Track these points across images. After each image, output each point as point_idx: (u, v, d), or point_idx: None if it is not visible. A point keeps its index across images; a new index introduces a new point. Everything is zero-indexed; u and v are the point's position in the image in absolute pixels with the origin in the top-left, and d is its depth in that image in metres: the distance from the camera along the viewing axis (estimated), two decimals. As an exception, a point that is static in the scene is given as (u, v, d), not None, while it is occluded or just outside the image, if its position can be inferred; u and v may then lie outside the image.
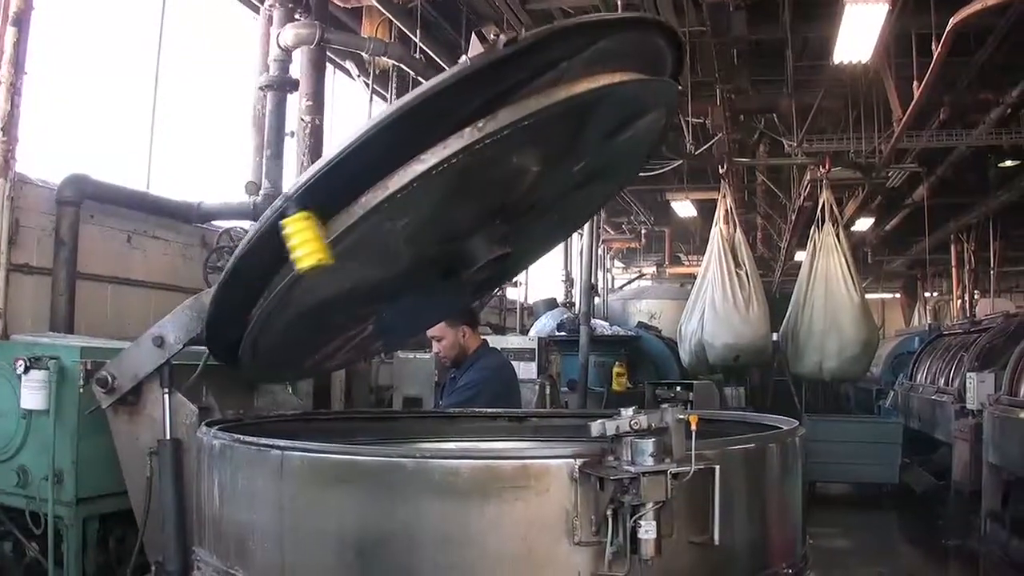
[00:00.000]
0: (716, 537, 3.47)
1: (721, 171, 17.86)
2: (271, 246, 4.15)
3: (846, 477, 16.28)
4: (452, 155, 3.68)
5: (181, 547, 4.88)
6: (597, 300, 20.26)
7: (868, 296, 18.14)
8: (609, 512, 3.30)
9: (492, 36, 3.58)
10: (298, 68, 11.06)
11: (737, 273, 16.64)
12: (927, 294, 37.67)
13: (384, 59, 13.62)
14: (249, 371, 5.14)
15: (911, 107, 13.87)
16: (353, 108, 15.00)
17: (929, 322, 28.42)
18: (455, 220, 4.70)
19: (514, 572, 3.41)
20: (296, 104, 11.03)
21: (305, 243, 7.60)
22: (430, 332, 7.33)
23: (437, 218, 4.49)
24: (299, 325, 4.82)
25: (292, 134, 10.98)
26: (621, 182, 5.71)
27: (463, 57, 3.62)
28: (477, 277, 5.07)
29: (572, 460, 3.39)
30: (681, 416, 3.31)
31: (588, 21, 4.21)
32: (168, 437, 5.05)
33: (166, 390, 5.08)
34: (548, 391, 12.59)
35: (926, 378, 18.64)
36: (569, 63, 3.89)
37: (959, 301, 29.87)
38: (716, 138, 17.20)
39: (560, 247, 23.22)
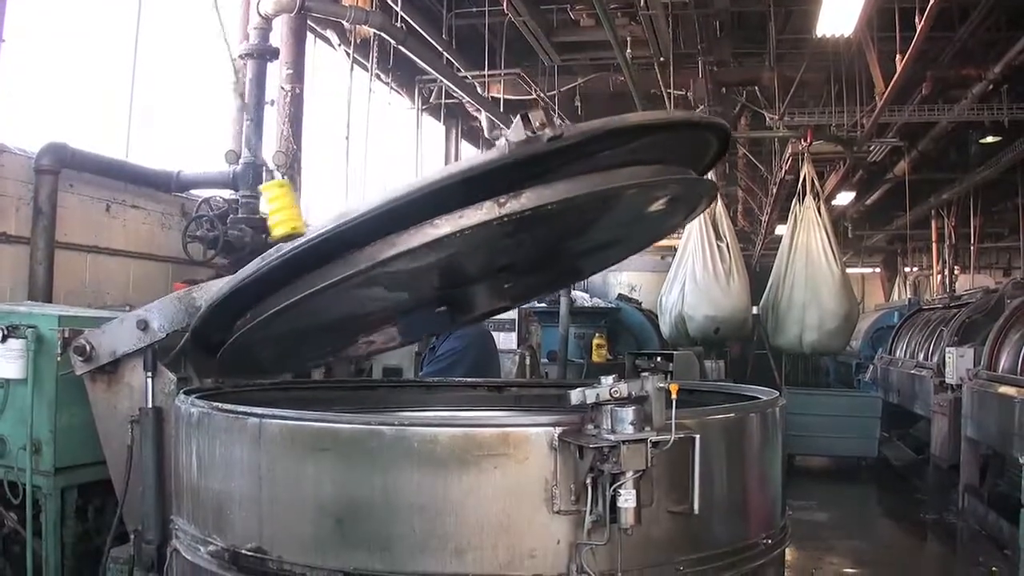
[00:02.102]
0: (696, 506, 3.47)
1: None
2: (270, 279, 4.09)
3: (825, 450, 16.32)
4: (466, 228, 3.65)
5: (160, 516, 4.87)
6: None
7: (848, 270, 18.14)
8: (589, 481, 3.31)
9: (537, 123, 3.48)
10: (278, 37, 10.98)
11: (718, 245, 16.65)
12: (907, 269, 37.77)
13: (365, 28, 13.56)
14: (227, 368, 5.10)
15: (893, 81, 13.86)
16: (334, 77, 14.92)
17: (909, 297, 28.50)
18: (459, 272, 4.71)
19: (493, 541, 3.40)
20: (277, 73, 10.95)
21: (281, 210, 7.56)
22: None
23: (440, 269, 4.49)
24: (286, 340, 4.84)
25: (272, 103, 10.92)
26: (635, 249, 5.69)
27: (503, 140, 3.55)
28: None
29: (552, 428, 3.38)
30: (661, 384, 3.30)
31: (640, 123, 4.08)
32: (150, 406, 5.03)
33: (149, 374, 5.05)
34: (528, 362, 12.60)
35: (905, 352, 18.69)
36: (610, 154, 3.86)
37: (939, 276, 29.97)
38: (698, 110, 17.17)
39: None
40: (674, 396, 3.32)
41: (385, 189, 3.94)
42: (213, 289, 4.95)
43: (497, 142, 3.61)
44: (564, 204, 3.70)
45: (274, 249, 3.98)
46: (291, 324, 4.49)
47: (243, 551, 3.74)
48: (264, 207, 8.75)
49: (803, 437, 15.02)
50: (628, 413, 3.25)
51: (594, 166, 3.82)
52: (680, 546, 3.65)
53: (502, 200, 3.60)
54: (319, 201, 14.09)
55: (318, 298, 4.04)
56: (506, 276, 5.01)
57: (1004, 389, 10.97)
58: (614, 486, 3.23)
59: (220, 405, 4.02)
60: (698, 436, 3.43)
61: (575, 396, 3.36)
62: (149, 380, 5.04)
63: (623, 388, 3.29)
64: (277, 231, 8.54)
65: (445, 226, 3.66)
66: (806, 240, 16.37)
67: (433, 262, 4.16)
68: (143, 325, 5.07)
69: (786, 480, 4.50)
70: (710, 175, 4.72)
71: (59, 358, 5.97)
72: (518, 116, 3.65)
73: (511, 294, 5.26)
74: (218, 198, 10.12)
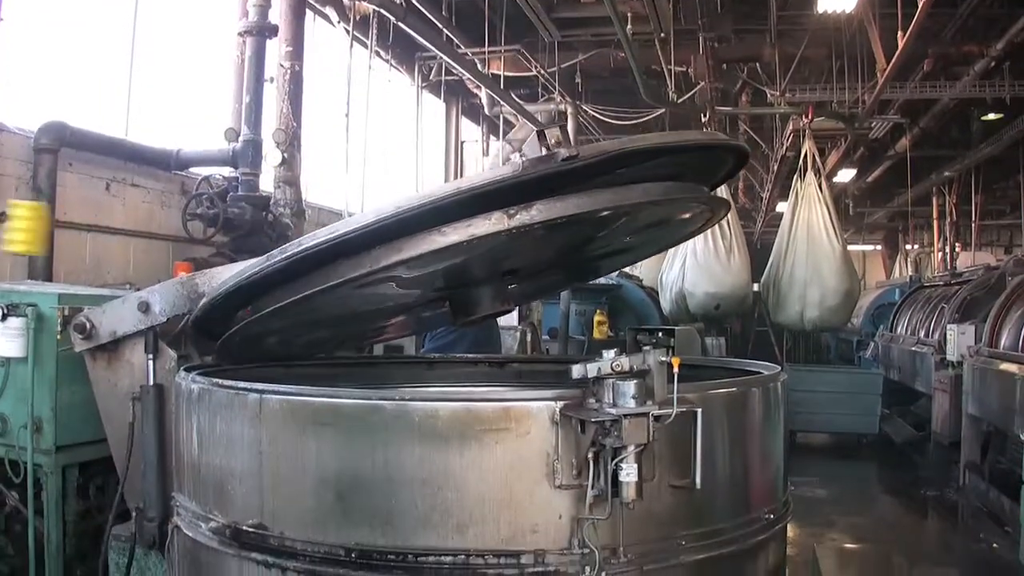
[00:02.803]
0: (698, 481, 3.47)
1: (703, 120, 17.79)
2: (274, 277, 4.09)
3: (826, 427, 16.32)
4: (473, 238, 3.64)
5: (161, 494, 4.87)
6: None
7: (849, 248, 18.12)
8: (590, 455, 3.30)
9: (552, 141, 3.47)
10: (277, 13, 10.94)
11: (719, 224, 16.62)
12: (908, 246, 37.73)
13: (365, 4, 13.52)
14: (228, 353, 5.09)
15: (895, 58, 13.80)
16: (333, 54, 14.87)
17: (910, 274, 28.52)
18: (465, 274, 4.70)
19: (494, 515, 3.40)
20: (276, 50, 10.91)
21: (25, 231, 7.61)
22: None
23: (446, 272, 4.48)
24: (289, 330, 4.85)
25: (271, 80, 10.88)
26: (645, 256, 5.69)
27: (517, 156, 3.53)
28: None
29: (553, 403, 3.38)
30: (663, 358, 3.29)
31: (656, 146, 4.08)
32: (151, 383, 5.02)
33: (150, 356, 5.05)
34: (529, 338, 12.58)
35: (907, 329, 18.69)
36: (625, 171, 3.85)
37: (940, 253, 29.98)
38: (698, 87, 17.13)
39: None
40: (676, 370, 3.31)
41: (395, 197, 3.91)
42: (216, 279, 4.95)
43: (512, 156, 3.60)
44: (576, 217, 3.70)
45: (279, 250, 3.97)
46: (293, 318, 4.49)
47: (244, 527, 3.74)
48: (11, 223, 8.48)
49: (804, 414, 15.05)
50: (630, 387, 3.24)
51: (608, 182, 3.81)
52: (682, 521, 3.65)
53: (512, 211, 3.59)
54: (318, 178, 14.08)
55: (320, 296, 4.05)
56: (512, 278, 5.01)
57: (1005, 366, 10.97)
58: (616, 460, 3.23)
59: (220, 381, 4.02)
60: (700, 410, 3.43)
61: (576, 370, 3.35)
62: (150, 362, 5.05)
63: (625, 362, 3.28)
64: (9, 248, 8.31)
65: (453, 234, 3.65)
66: (807, 217, 16.35)
67: (439, 267, 4.16)
68: (144, 307, 5.06)
69: (787, 456, 4.50)
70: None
71: (59, 336, 5.98)
72: (534, 132, 3.65)
73: (516, 295, 5.26)
74: (218, 176, 10.11)
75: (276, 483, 3.69)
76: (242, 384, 3.88)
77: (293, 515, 3.65)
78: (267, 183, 10.82)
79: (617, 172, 3.82)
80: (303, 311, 4.32)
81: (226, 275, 4.88)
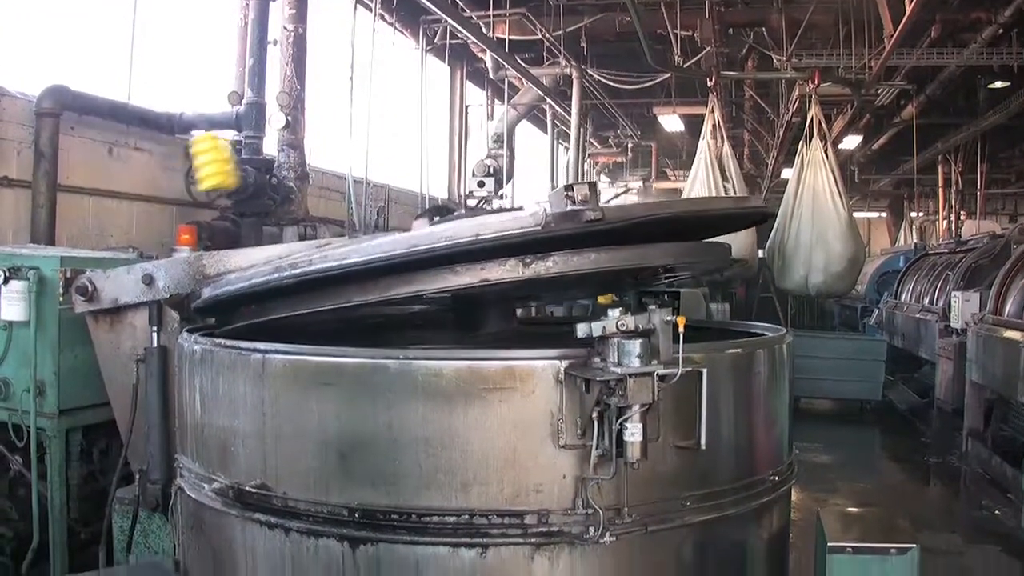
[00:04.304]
0: (703, 441, 3.47)
1: (709, 84, 17.69)
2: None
3: (830, 393, 16.31)
4: (486, 283, 3.65)
5: (165, 456, 4.88)
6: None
7: (854, 215, 18.04)
8: (595, 414, 3.30)
9: (580, 197, 3.44)
10: (281, -25, 10.88)
11: (724, 187, 16.54)
12: (913, 214, 37.66)
13: (369, -33, 13.44)
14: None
15: (902, 24, 13.69)
16: (337, 17, 14.80)
17: (915, 241, 28.43)
18: (475, 298, 4.71)
19: (498, 475, 3.41)
20: (279, 13, 10.86)
21: (211, 163, 7.63)
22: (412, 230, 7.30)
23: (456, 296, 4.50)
24: (290, 328, 4.84)
25: (275, 43, 10.84)
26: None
27: (542, 208, 3.51)
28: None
29: (558, 362, 3.39)
30: (668, 318, 3.28)
31: (685, 214, 4.13)
32: (155, 345, 5.02)
33: (154, 328, 5.04)
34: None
35: (911, 297, 18.70)
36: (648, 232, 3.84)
37: (945, 221, 29.89)
38: (704, 51, 17.04)
39: (546, 159, 23.11)
40: (681, 329, 3.30)
41: (410, 233, 3.93)
42: (224, 263, 4.98)
43: (535, 208, 3.57)
44: (592, 272, 3.70)
45: (289, 264, 3.98)
46: (294, 321, 4.47)
47: (247, 488, 3.75)
48: (196, 160, 8.66)
49: (808, 380, 15.04)
50: (635, 346, 3.23)
51: (629, 240, 3.79)
52: (686, 481, 3.66)
53: (528, 260, 3.60)
54: (322, 142, 14.04)
55: (324, 312, 4.07)
56: (519, 303, 5.03)
57: (1009, 333, 10.96)
58: (620, 420, 3.22)
59: (223, 342, 4.02)
60: (705, 370, 3.44)
61: (581, 329, 3.34)
62: (154, 333, 5.04)
63: (630, 321, 3.27)
64: (205, 183, 8.55)
65: (465, 275, 3.67)
66: (812, 182, 16.23)
67: (447, 297, 4.17)
68: (148, 280, 5.06)
69: (792, 420, 4.49)
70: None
71: (61, 300, 5.97)
72: (561, 186, 3.63)
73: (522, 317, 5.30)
74: (222, 139, 10.07)
75: (279, 443, 3.70)
76: (245, 344, 3.89)
77: (296, 475, 3.66)
78: (271, 147, 10.79)
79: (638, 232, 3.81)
80: (304, 319, 4.31)
81: (234, 261, 4.91)
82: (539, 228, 3.52)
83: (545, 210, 3.52)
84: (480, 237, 3.56)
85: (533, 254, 3.58)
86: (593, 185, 3.55)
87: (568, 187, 3.54)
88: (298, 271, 3.88)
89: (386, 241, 3.77)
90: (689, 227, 4.34)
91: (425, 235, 3.66)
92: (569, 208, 3.52)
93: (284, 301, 4.16)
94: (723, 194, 16.23)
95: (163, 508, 4.96)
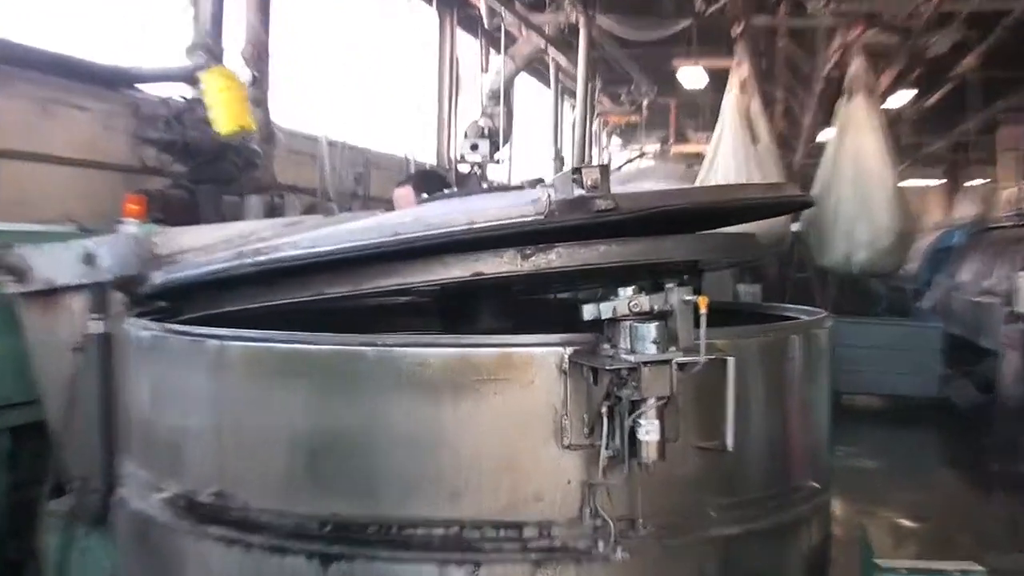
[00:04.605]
0: (729, 442, 3.44)
1: (736, 33, 17.64)
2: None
3: (877, 389, 16.33)
4: (479, 276, 3.63)
5: (107, 460, 4.86)
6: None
7: (904, 183, 18.03)
8: (604, 409, 3.28)
9: (589, 182, 3.40)
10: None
11: (754, 150, 16.49)
12: (971, 182, 37.65)
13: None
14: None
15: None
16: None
17: (974, 214, 28.42)
18: (469, 290, 4.67)
19: (493, 481, 3.39)
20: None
21: (227, 104, 7.59)
22: (398, 206, 7.29)
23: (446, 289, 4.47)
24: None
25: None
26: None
27: (545, 194, 3.49)
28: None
29: (561, 348, 3.37)
30: (688, 297, 3.24)
31: (709, 205, 4.12)
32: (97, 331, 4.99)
33: (96, 314, 5.01)
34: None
35: (970, 277, 18.66)
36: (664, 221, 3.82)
37: (1008, 191, 29.87)
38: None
39: (549, 120, 23.08)
40: (703, 311, 3.26)
41: (394, 218, 3.92)
42: (176, 242, 4.95)
43: (537, 193, 3.54)
44: (597, 266, 3.66)
45: (253, 250, 3.97)
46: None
47: (202, 497, 3.73)
48: (208, 99, 8.69)
49: (851, 373, 15.04)
50: (650, 330, 3.21)
51: (644, 229, 3.78)
52: (710, 488, 3.65)
53: (528, 252, 3.58)
54: (292, 100, 14.01)
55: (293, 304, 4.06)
56: (512, 299, 5.01)
57: (1085, 319, 10.95)
58: (633, 416, 3.20)
59: (175, 327, 4.00)
60: (732, 359, 3.41)
61: (588, 310, 3.32)
62: (95, 319, 5.01)
63: (644, 301, 3.24)
64: (224, 127, 8.58)
65: (456, 268, 3.66)
66: (855, 145, 16.16)
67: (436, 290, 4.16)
68: (89, 258, 5.03)
69: (832, 418, 4.48)
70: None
71: (-16, 280, 5.94)
72: (568, 169, 3.60)
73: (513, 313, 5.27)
74: (176, 96, 10.03)
75: (239, 444, 3.69)
76: (201, 330, 3.87)
77: (259, 482, 3.64)
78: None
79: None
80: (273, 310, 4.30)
81: (190, 239, 4.89)
82: (542, 218, 3.50)
83: (549, 196, 3.49)
84: (474, 227, 3.53)
85: (534, 245, 3.56)
86: (605, 169, 3.52)
87: (576, 170, 3.52)
88: (262, 259, 3.86)
89: (364, 227, 3.77)
90: (714, 214, 4.33)
91: (410, 222, 3.65)
92: (577, 195, 3.50)
93: (247, 290, 4.13)
94: (751, 158, 16.20)
95: (103, 522, 4.94)
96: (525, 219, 3.53)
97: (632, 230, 3.69)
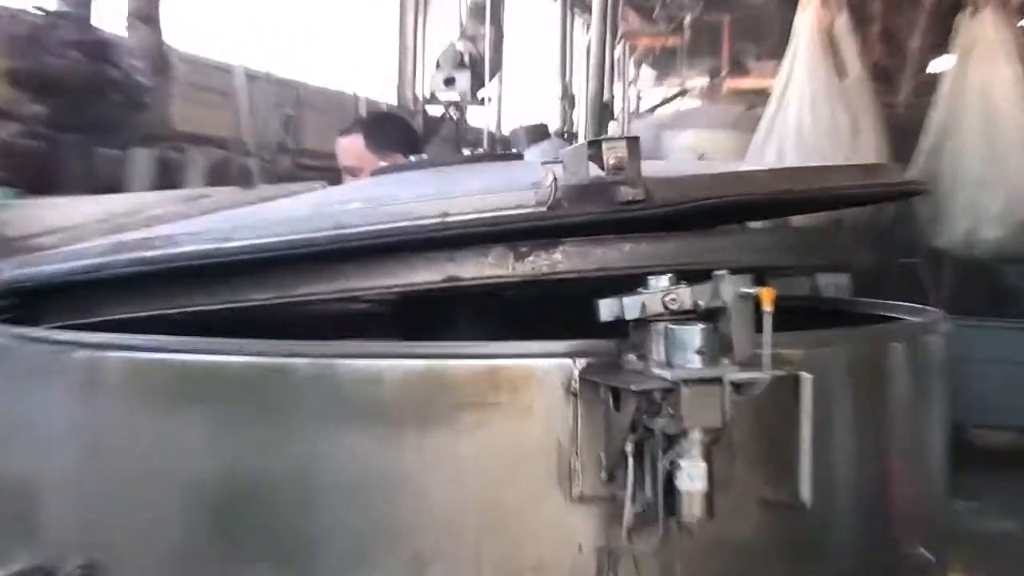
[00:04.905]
0: (804, 493, 3.42)
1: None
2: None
3: (1013, 420, 16.35)
4: (453, 282, 3.60)
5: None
6: (614, 127, 20.01)
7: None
8: (630, 447, 3.24)
9: (612, 161, 3.33)
10: None
11: (840, 86, 16.49)
12: None
13: None
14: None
15: None
16: None
17: None
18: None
19: (472, 544, 3.35)
20: None
21: None
22: (343, 161, 7.31)
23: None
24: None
25: None
26: None
27: (549, 175, 3.45)
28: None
29: (569, 361, 3.33)
30: (747, 290, 3.20)
31: (778, 198, 4.07)
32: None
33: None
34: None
35: None
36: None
37: None
38: None
39: (555, 43, 23.10)
40: (768, 309, 3.20)
41: (338, 202, 3.89)
42: (30, 221, 4.94)
43: (539, 174, 3.50)
44: (611, 273, 3.64)
45: (135, 243, 3.94)
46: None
47: (64, 572, 3.64)
48: None
49: (977, 398, 15.05)
50: (693, 335, 3.15)
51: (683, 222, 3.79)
52: (777, 556, 3.64)
53: (522, 250, 3.55)
54: (194, 15, 14.04)
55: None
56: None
57: None
58: (670, 455, 3.15)
59: (27, 332, 3.97)
60: (808, 376, 3.39)
61: (606, 308, 3.26)
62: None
63: (684, 295, 3.19)
64: None
65: (424, 271, 3.62)
66: (982, 78, 16.18)
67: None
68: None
69: (951, 461, 4.48)
70: None
71: None
72: (582, 143, 3.54)
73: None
74: (32, 7, 10.06)
75: (118, 495, 3.64)
76: (64, 336, 3.83)
77: (145, 548, 3.60)
78: (110, 22, 10.79)
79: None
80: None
81: (50, 218, 4.89)
82: (543, 210, 3.43)
83: (554, 179, 3.43)
84: (449, 220, 3.46)
85: (532, 240, 3.54)
86: (634, 143, 3.44)
87: (593, 143, 3.45)
88: (151, 255, 3.79)
89: (296, 215, 3.73)
90: (784, 205, 4.35)
91: (359, 209, 3.61)
92: (593, 179, 3.45)
93: (131, 293, 4.08)
94: (837, 98, 16.22)
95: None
96: (523, 211, 3.45)
97: (668, 221, 3.67)
